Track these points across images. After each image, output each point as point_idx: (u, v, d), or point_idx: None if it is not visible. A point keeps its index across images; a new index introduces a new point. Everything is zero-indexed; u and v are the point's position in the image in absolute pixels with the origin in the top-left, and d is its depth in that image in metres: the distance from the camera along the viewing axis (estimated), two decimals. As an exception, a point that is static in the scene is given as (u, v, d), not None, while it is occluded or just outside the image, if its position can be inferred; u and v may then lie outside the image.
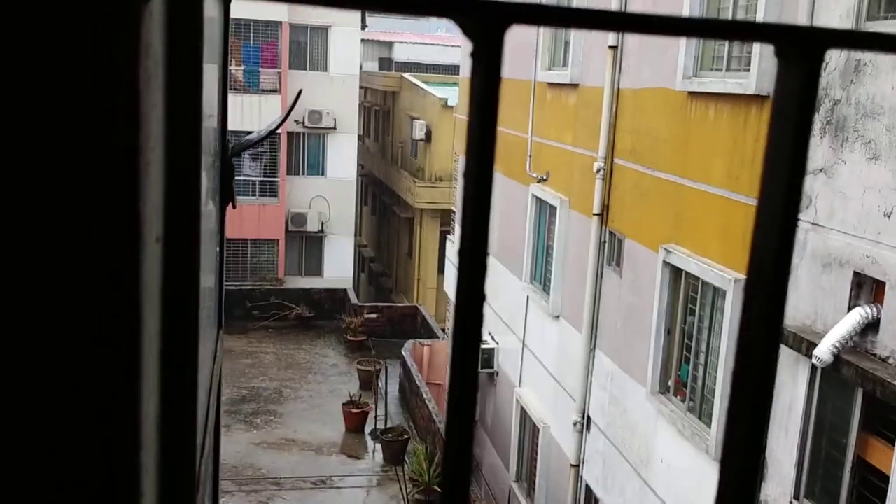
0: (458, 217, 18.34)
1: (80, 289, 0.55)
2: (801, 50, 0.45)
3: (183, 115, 0.77)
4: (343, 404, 17.72)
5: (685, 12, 8.51)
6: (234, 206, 1.92)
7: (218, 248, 1.86)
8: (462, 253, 0.43)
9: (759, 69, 7.32)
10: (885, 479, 5.94)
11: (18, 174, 0.52)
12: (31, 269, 0.54)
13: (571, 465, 11.16)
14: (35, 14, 0.50)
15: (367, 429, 17.45)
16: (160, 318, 0.73)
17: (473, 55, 0.41)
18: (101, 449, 0.58)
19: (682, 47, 8.56)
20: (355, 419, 17.45)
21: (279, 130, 24.79)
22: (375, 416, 17.25)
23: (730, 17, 8.09)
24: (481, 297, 0.44)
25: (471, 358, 0.44)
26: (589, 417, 10.89)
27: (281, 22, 24.97)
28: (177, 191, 0.76)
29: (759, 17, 7.33)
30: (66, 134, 0.52)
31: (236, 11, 27.41)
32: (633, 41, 9.93)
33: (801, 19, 6.79)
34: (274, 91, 25.11)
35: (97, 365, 0.57)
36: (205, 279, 1.34)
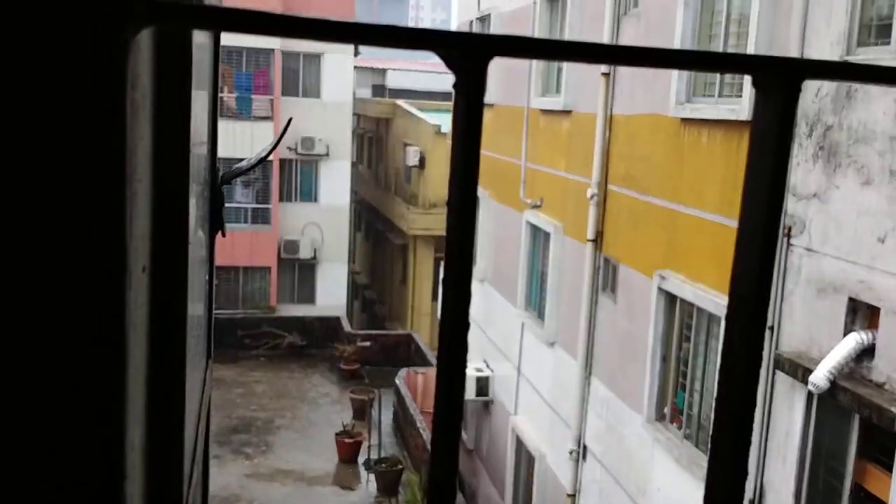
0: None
1: (63, 318, 0.55)
2: (778, 80, 0.46)
3: (171, 145, 0.76)
4: (336, 434, 17.56)
5: (677, 36, 8.57)
6: (223, 235, 1.90)
7: (207, 277, 1.84)
8: (446, 283, 0.43)
9: (751, 95, 7.35)
10: (885, 506, 5.88)
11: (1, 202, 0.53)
12: (12, 301, 0.54)
13: (568, 495, 11.05)
14: (21, 45, 0.50)
15: (361, 459, 17.28)
16: (147, 348, 0.72)
17: (456, 86, 0.41)
18: (84, 480, 0.58)
19: (675, 73, 8.61)
20: (348, 449, 17.29)
21: (271, 157, 24.83)
22: (369, 446, 17.09)
23: (721, 42, 8.15)
24: (465, 324, 0.45)
25: (457, 379, 0.45)
26: (585, 446, 10.81)
27: (273, 49, 25.11)
28: (165, 220, 0.76)
29: (751, 42, 7.38)
30: (51, 165, 0.53)
31: (228, 39, 27.50)
32: (625, 68, 9.99)
33: (793, 45, 6.84)
34: (266, 118, 25.19)
35: (80, 394, 0.56)
36: (193, 308, 1.32)
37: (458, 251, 0.41)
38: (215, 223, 1.82)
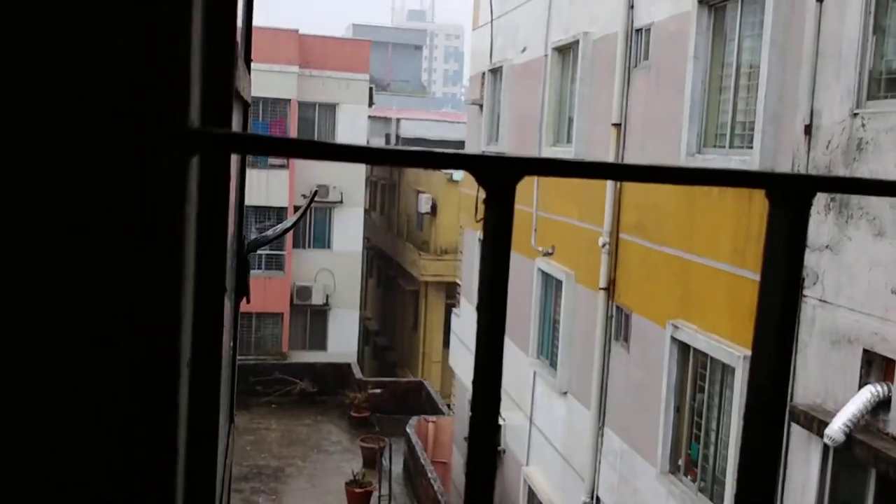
0: (461, 293, 18.02)
1: (119, 417, 0.57)
2: (790, 195, 0.49)
3: (209, 251, 0.79)
4: (346, 483, 17.39)
5: (687, 88, 8.65)
6: (248, 301, 1.93)
7: (232, 343, 1.86)
8: (475, 384, 0.45)
9: (762, 146, 7.40)
10: (905, 564, 5.76)
11: (71, 303, 0.55)
12: (78, 395, 0.56)
13: (580, 547, 10.86)
14: (96, 168, 0.54)
15: (371, 508, 17.08)
16: (186, 442, 0.74)
17: (487, 201, 0.45)
18: None
19: (686, 124, 8.69)
20: (358, 499, 17.09)
21: (286, 204, 25.03)
22: (379, 496, 16.90)
23: (731, 94, 8.22)
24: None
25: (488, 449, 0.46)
26: (598, 498, 10.65)
27: (290, 100, 25.48)
28: (203, 315, 0.78)
29: (761, 95, 7.45)
30: (115, 280, 0.55)
31: (246, 89, 27.58)
32: (636, 120, 10.08)
33: (802, 98, 6.90)
34: (282, 166, 25.46)
35: (135, 484, 0.58)
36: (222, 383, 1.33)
37: (487, 355, 0.43)
38: (240, 290, 1.84)
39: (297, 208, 26.00)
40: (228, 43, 0.88)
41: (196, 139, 0.54)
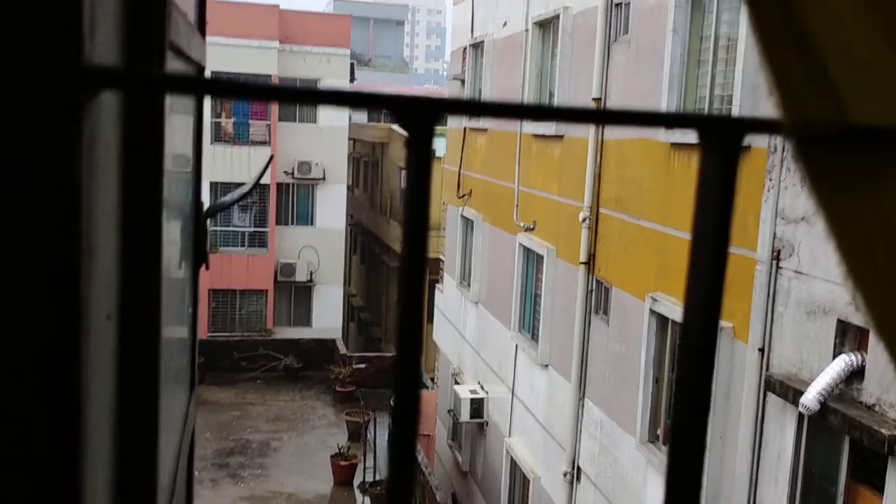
0: (444, 269, 18.02)
1: (12, 371, 0.54)
2: (721, 137, 0.48)
3: (141, 194, 0.78)
4: (331, 456, 17.51)
5: (666, 62, 8.67)
6: (206, 268, 1.94)
7: (191, 309, 1.87)
8: (399, 325, 0.46)
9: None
10: (876, 528, 5.90)
11: None
12: None
13: (562, 517, 11.02)
14: None
15: (356, 481, 17.22)
16: (116, 395, 0.74)
17: (407, 144, 0.45)
18: None
19: (665, 97, 8.72)
20: (344, 472, 17.23)
21: (268, 181, 24.92)
22: (364, 468, 17.04)
23: (710, 67, 8.24)
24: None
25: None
26: (579, 467, 10.80)
27: (270, 75, 25.27)
28: (134, 267, 0.77)
29: (738, 68, 7.48)
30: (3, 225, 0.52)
31: (225, 65, 27.26)
32: (615, 94, 10.09)
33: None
34: (263, 143, 25.31)
35: (33, 449, 0.55)
36: (173, 342, 1.34)
37: (407, 306, 0.44)
38: (199, 256, 1.85)
39: (279, 185, 25.90)
40: None
41: (90, 77, 0.51)
